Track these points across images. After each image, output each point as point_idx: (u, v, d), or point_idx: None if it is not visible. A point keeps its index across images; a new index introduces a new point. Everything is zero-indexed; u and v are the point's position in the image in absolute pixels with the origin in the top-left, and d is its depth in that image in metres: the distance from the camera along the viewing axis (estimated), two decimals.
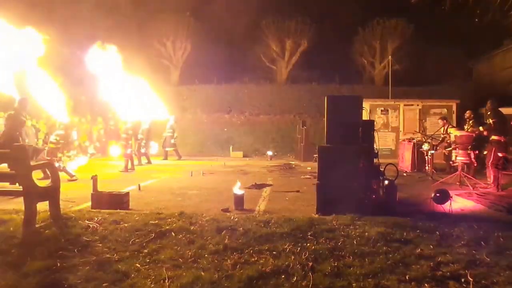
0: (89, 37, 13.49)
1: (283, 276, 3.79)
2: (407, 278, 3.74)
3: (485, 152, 9.03)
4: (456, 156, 9.61)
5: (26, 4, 14.22)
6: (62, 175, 7.88)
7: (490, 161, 8.64)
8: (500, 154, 8.62)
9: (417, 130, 13.20)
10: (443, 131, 11.29)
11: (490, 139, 8.82)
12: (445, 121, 11.58)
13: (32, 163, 5.82)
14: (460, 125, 12.20)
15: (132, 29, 20.68)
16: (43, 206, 5.49)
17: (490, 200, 7.45)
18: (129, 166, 12.31)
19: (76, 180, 9.72)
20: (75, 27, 17.51)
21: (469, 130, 10.18)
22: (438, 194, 6.43)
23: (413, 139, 12.25)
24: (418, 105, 15.10)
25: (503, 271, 3.88)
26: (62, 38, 13.12)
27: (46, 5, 17.12)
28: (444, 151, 11.29)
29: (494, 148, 8.64)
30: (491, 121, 8.82)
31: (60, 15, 17.32)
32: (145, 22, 21.87)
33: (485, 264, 4.06)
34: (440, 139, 11.19)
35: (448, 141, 10.84)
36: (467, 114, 10.81)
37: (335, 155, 6.26)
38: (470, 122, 10.52)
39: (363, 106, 6.70)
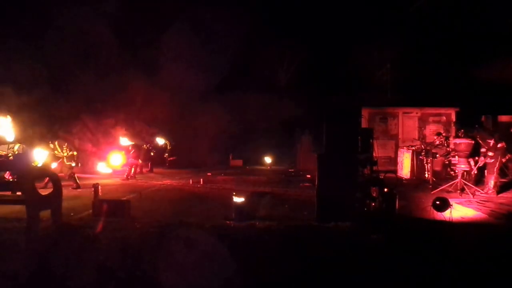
0: None
1: (283, 285, 3.81)
2: None
3: (492, 160, 9.09)
4: (456, 163, 9.67)
5: None
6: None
7: (496, 168, 8.92)
8: (503, 160, 9.31)
9: (416, 138, 13.23)
10: (444, 144, 11.21)
11: (496, 147, 9.08)
12: (440, 136, 11.44)
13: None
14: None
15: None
16: (45, 214, 5.52)
17: (491, 208, 7.49)
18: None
19: (80, 189, 9.82)
20: None
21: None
22: (438, 202, 6.44)
23: (412, 146, 12.28)
24: (417, 113, 15.15)
25: None
26: None
27: None
28: (444, 159, 11.31)
29: (499, 156, 9.00)
30: (489, 140, 9.12)
31: None
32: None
33: None
34: (445, 152, 11.15)
35: (448, 149, 10.86)
36: (453, 126, 10.99)
37: (334, 163, 6.29)
38: (462, 130, 10.50)
39: (362, 114, 6.74)
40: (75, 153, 10.40)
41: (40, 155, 9.61)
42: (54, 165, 10.07)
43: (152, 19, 21.49)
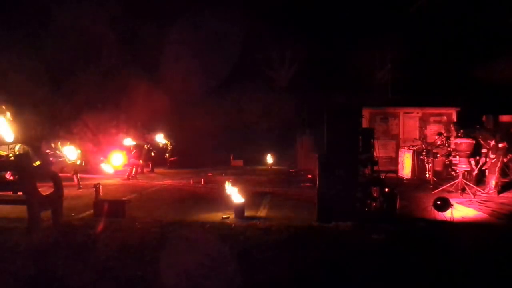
0: None
1: (283, 285, 3.81)
2: None
3: (493, 160, 9.08)
4: (457, 163, 9.66)
5: None
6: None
7: (497, 167, 8.92)
8: (505, 160, 9.19)
9: (417, 138, 13.22)
10: (445, 144, 11.17)
11: (498, 147, 9.07)
12: (441, 136, 11.41)
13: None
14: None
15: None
16: (46, 214, 5.53)
17: (492, 208, 7.49)
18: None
19: (80, 189, 9.85)
20: None
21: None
22: (439, 202, 6.44)
23: (413, 146, 12.27)
24: (418, 112, 15.13)
25: None
26: None
27: None
28: (445, 158, 11.29)
29: (501, 156, 8.98)
30: (490, 141, 9.15)
31: None
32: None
33: None
34: (446, 152, 11.11)
35: (449, 149, 10.84)
36: (452, 127, 10.97)
37: (335, 163, 6.29)
38: (462, 130, 10.46)
39: (363, 114, 6.74)
40: (79, 151, 10.45)
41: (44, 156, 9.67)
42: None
43: (153, 19, 21.48)
